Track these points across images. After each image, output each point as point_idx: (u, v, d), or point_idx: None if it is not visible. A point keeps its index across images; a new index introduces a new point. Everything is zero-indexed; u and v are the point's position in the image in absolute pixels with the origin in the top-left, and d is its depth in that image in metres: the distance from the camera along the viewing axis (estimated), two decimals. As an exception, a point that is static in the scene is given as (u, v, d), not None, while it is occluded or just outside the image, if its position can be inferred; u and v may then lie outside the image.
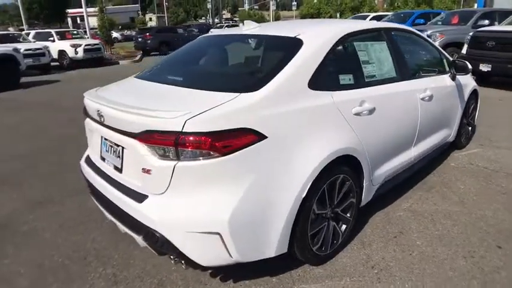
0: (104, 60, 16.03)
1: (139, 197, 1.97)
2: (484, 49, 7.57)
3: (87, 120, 2.49)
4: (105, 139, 2.29)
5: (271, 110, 1.99)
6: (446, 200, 3.29)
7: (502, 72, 7.58)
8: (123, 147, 2.10)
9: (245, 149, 1.84)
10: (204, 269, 2.16)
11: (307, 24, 3.02)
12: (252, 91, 2.00)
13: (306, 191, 2.08)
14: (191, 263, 1.96)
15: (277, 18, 53.03)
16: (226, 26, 43.14)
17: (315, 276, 2.36)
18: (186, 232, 1.87)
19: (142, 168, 1.92)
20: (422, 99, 3.13)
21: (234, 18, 72.47)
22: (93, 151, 2.51)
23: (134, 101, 2.06)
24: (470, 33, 8.16)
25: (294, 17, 66.42)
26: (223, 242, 1.87)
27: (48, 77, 12.78)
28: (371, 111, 2.54)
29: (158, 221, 1.88)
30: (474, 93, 4.33)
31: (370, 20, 16.07)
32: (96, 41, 16.37)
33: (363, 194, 2.65)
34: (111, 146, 2.23)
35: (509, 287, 2.24)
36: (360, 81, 2.60)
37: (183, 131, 1.76)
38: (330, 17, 30.75)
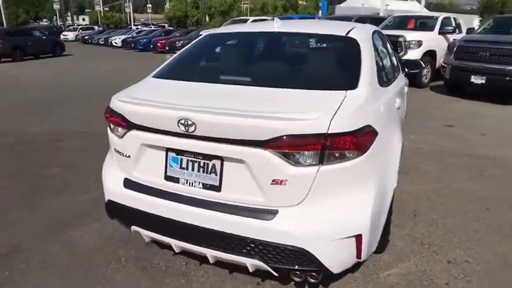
0: None
1: (264, 214, 1.76)
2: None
3: (134, 133, 2.02)
4: (179, 153, 1.93)
5: (373, 107, 2.03)
6: (425, 180, 3.84)
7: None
8: (222, 160, 1.82)
9: (372, 146, 1.84)
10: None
11: (331, 24, 3.10)
12: (351, 89, 2.00)
13: (396, 182, 2.19)
14: (326, 273, 1.84)
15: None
16: (81, 29, 39.13)
17: (388, 263, 2.49)
18: (328, 241, 1.76)
19: (273, 180, 1.71)
20: (405, 93, 3.57)
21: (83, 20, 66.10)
22: (145, 172, 2.06)
23: (233, 105, 1.81)
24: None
25: (149, 19, 64.47)
26: (359, 243, 1.83)
27: None
28: (399, 107, 2.80)
29: (299, 235, 1.72)
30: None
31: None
32: None
33: None
34: (195, 161, 1.90)
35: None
36: (389, 78, 2.83)
37: (329, 132, 1.66)
38: (197, 20, 30.91)
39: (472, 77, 7.40)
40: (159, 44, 22.02)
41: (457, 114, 6.63)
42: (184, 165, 1.93)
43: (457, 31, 9.81)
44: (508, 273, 2.42)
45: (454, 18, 10.34)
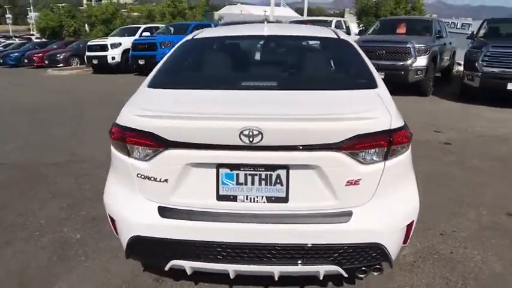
0: None
1: (339, 217, 1.77)
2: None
3: (173, 152, 1.77)
4: (234, 168, 1.78)
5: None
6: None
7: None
8: (288, 169, 1.75)
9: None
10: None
11: (309, 27, 3.18)
12: (376, 87, 2.13)
13: None
14: (390, 264, 1.91)
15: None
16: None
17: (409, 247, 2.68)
18: (394, 232, 1.85)
19: (348, 181, 1.73)
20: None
21: None
22: (189, 195, 1.83)
23: (294, 110, 1.78)
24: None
25: (10, 31, 57.48)
26: (410, 229, 1.97)
27: None
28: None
29: (378, 231, 1.78)
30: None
31: (143, 30, 15.94)
32: None
33: None
34: (255, 175, 1.78)
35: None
36: None
37: (392, 128, 1.76)
38: (75, 30, 27.97)
39: None
40: (35, 58, 19.52)
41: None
42: (242, 180, 1.79)
43: (349, 33, 11.08)
44: (488, 234, 2.87)
45: (344, 21, 11.63)
